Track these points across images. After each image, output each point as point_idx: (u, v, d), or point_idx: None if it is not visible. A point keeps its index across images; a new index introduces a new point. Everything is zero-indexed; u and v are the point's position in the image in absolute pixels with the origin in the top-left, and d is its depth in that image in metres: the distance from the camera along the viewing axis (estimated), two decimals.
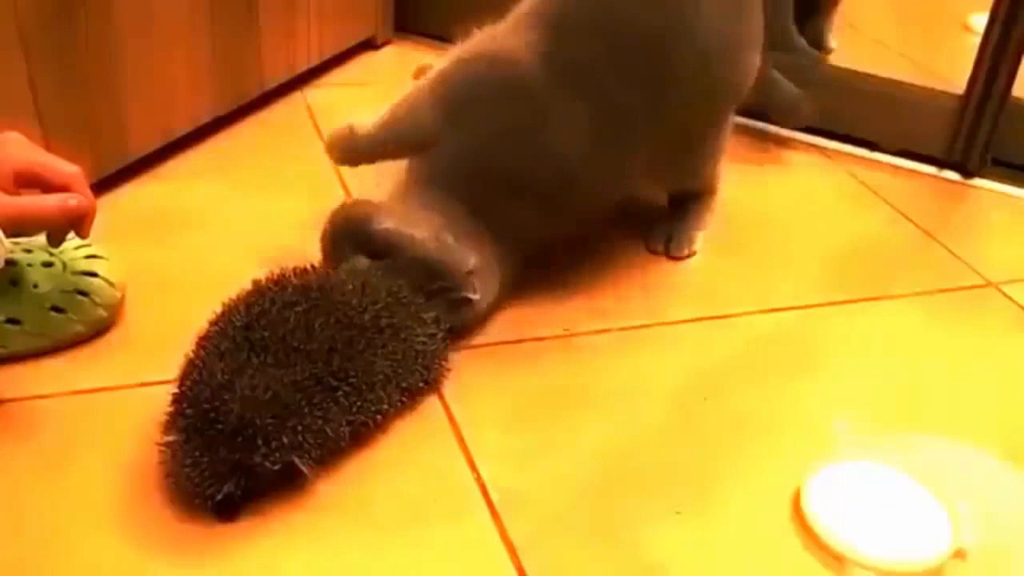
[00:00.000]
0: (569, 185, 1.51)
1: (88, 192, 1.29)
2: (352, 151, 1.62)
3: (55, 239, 1.31)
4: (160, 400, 1.22)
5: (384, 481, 1.27)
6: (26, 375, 1.37)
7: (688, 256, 1.76)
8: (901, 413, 1.47)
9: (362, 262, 1.42)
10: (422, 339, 1.36)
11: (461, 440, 1.34)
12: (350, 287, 1.33)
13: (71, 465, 1.26)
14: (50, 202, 1.26)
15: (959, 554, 1.21)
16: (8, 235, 1.22)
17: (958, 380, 1.54)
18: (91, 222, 1.29)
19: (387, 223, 1.43)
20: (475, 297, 1.45)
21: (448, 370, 1.42)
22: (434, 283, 1.42)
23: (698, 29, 1.53)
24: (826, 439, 1.38)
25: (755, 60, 1.68)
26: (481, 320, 1.51)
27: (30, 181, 1.26)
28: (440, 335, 1.40)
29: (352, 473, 1.27)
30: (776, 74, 2.04)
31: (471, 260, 1.45)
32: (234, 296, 1.31)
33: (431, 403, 1.40)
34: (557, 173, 1.50)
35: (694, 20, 1.53)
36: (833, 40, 2.53)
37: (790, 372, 1.52)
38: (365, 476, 1.27)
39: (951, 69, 2.17)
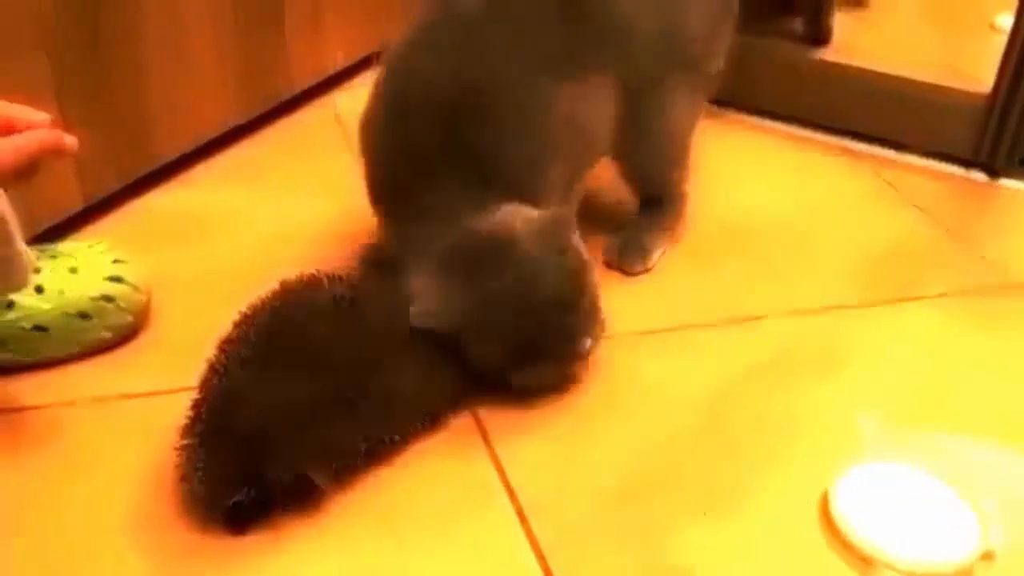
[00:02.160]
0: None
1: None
2: None
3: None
4: (185, 406, 1.23)
5: (411, 486, 1.28)
6: (54, 382, 1.39)
7: (641, 272, 1.72)
8: (928, 414, 1.46)
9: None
10: (452, 368, 1.35)
11: (489, 444, 1.35)
12: (384, 302, 1.33)
13: (93, 472, 1.27)
14: (33, 136, 1.23)
15: (987, 555, 1.21)
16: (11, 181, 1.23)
17: (985, 381, 1.53)
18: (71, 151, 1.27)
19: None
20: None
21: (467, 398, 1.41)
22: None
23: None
24: (853, 441, 1.38)
25: (699, 20, 1.64)
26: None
27: (2, 130, 1.22)
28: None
29: (378, 479, 1.27)
30: None
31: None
32: (261, 296, 1.31)
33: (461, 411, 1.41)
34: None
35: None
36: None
37: (817, 374, 1.52)
38: (392, 481, 1.28)
39: (978, 69, 2.14)
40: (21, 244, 1.18)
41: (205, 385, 1.22)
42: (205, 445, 1.17)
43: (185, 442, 1.19)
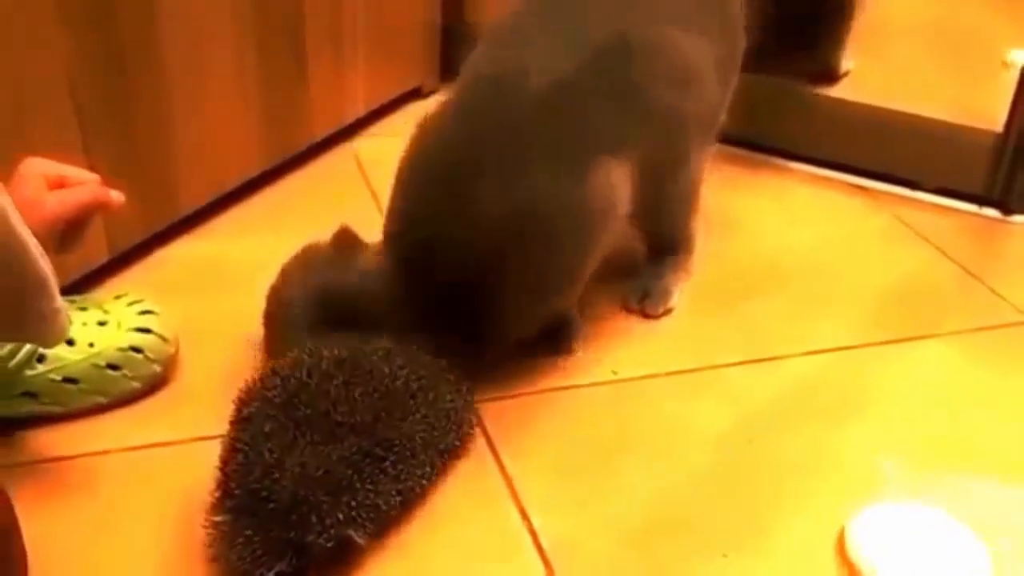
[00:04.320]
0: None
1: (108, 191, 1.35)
2: None
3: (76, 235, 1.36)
4: (215, 454, 1.25)
5: (439, 534, 1.29)
6: (84, 432, 1.40)
7: (664, 314, 1.74)
8: (945, 453, 1.47)
9: None
10: (449, 398, 1.37)
11: (512, 488, 1.36)
12: (379, 354, 1.34)
13: (125, 523, 1.28)
14: (85, 189, 1.33)
15: None
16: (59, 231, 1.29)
17: (1001, 420, 1.54)
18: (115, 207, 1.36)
19: None
20: None
21: (475, 427, 1.44)
22: None
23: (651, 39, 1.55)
24: (870, 480, 1.39)
25: (715, 89, 1.67)
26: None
27: (55, 186, 1.30)
28: (464, 390, 1.41)
29: (408, 529, 1.29)
30: None
31: None
32: (263, 370, 1.32)
33: (481, 451, 1.42)
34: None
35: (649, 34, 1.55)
36: (848, 62, 2.56)
37: (834, 414, 1.53)
38: (421, 531, 1.29)
39: (990, 106, 2.16)
40: (61, 301, 1.21)
41: (230, 462, 1.22)
42: (241, 520, 1.17)
43: (217, 519, 1.19)
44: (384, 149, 2.12)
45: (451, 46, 2.44)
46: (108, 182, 1.36)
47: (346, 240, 1.51)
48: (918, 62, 2.69)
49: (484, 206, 1.41)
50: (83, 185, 1.33)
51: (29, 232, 1.12)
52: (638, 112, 1.52)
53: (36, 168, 1.30)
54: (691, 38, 1.60)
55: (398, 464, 1.26)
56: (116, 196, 1.35)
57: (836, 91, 2.45)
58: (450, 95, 1.53)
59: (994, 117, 2.12)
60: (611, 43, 1.49)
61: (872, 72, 2.57)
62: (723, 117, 1.73)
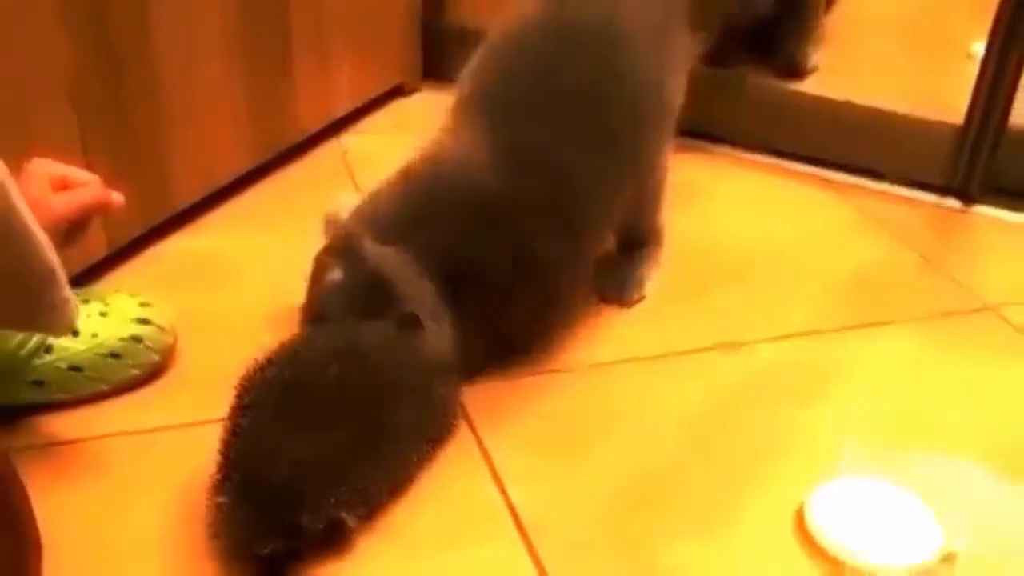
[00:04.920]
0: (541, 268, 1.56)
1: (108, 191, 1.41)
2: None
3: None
4: (212, 437, 1.29)
5: (425, 513, 1.34)
6: (89, 417, 1.46)
7: (637, 302, 1.79)
8: (902, 432, 1.52)
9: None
10: (436, 388, 1.41)
11: (492, 468, 1.42)
12: (372, 344, 1.39)
13: (130, 502, 1.34)
14: (88, 190, 1.38)
15: (948, 558, 1.29)
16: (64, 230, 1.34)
17: (956, 400, 1.60)
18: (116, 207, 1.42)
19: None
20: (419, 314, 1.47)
21: (459, 415, 1.49)
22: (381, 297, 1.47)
23: (627, 73, 1.62)
24: (829, 458, 1.44)
25: (681, 81, 1.74)
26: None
27: (58, 187, 1.36)
28: (450, 381, 1.46)
29: (395, 511, 1.34)
30: None
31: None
32: (261, 359, 1.36)
33: (464, 434, 1.47)
34: (527, 261, 1.54)
35: (624, 64, 1.62)
36: (815, 57, 2.58)
37: (797, 396, 1.58)
38: (408, 511, 1.34)
39: (954, 98, 2.18)
40: (70, 291, 1.26)
41: (230, 447, 1.27)
42: (240, 501, 1.22)
43: (217, 500, 1.24)
44: (368, 145, 2.19)
45: (432, 45, 2.50)
46: (106, 179, 1.41)
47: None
48: (886, 56, 2.72)
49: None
50: (86, 187, 1.38)
51: (38, 225, 1.17)
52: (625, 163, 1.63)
53: (41, 169, 1.35)
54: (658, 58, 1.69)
55: (387, 451, 1.31)
56: (117, 197, 1.40)
57: (804, 85, 2.46)
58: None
59: (958, 108, 2.15)
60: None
61: (841, 66, 2.58)
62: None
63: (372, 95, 2.39)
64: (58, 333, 1.41)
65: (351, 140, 2.29)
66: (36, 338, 1.43)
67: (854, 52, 2.73)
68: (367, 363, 1.36)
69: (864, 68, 2.65)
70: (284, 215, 1.97)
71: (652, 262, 1.84)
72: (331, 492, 1.23)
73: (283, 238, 1.87)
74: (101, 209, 1.40)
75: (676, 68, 1.74)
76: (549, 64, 1.60)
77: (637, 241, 1.83)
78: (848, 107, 2.30)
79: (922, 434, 1.53)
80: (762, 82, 2.43)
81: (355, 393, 1.32)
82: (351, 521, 1.26)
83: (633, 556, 1.31)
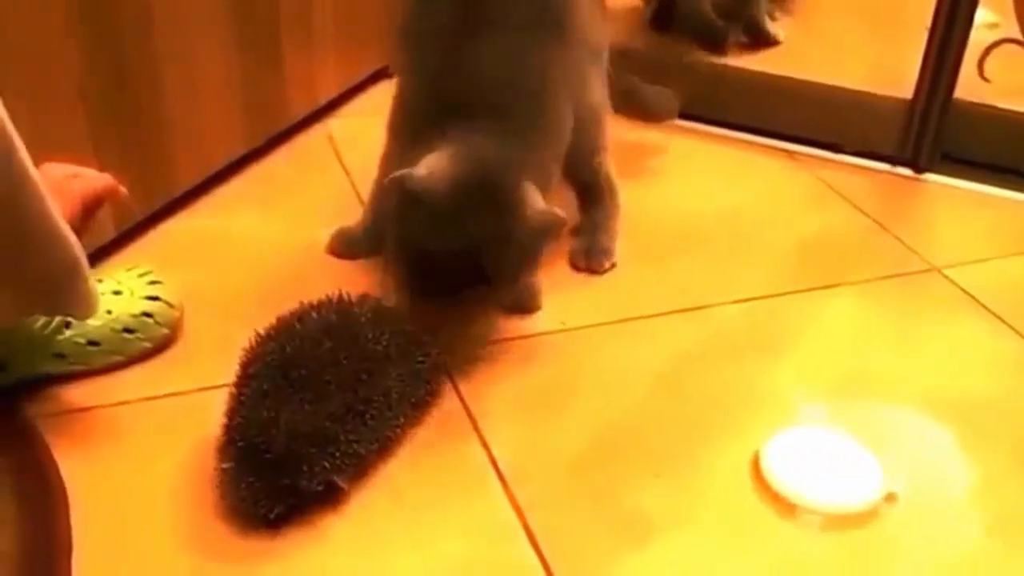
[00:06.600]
0: None
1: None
2: (351, 246, 1.85)
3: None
4: (218, 400, 1.38)
5: (415, 467, 1.43)
6: (106, 386, 1.54)
7: (609, 269, 1.87)
8: (852, 386, 1.62)
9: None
10: (421, 358, 1.49)
11: (475, 425, 1.51)
12: (363, 319, 1.46)
13: (146, 463, 1.42)
14: (101, 178, 1.50)
15: (890, 498, 1.40)
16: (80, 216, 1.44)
17: (903, 356, 1.69)
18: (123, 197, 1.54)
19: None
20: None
21: (443, 382, 1.57)
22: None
23: None
24: (785, 410, 1.55)
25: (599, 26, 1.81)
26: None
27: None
28: (435, 352, 1.52)
29: (388, 468, 1.43)
30: (634, 79, 2.12)
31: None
32: (262, 333, 1.44)
33: (449, 395, 1.56)
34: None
35: None
36: (777, 31, 2.70)
37: (755, 354, 1.67)
38: (400, 468, 1.43)
39: (911, 72, 2.24)
40: (93, 280, 1.37)
41: (234, 416, 1.35)
42: (243, 467, 1.31)
43: (224, 466, 1.33)
44: (354, 128, 2.24)
45: None
46: (114, 170, 1.50)
47: None
48: (847, 29, 2.82)
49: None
50: (99, 175, 1.49)
51: (64, 221, 1.29)
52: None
53: (55, 171, 1.44)
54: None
55: (376, 417, 1.39)
56: (124, 191, 1.52)
57: (767, 62, 2.57)
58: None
59: (912, 83, 2.24)
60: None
61: (804, 44, 2.69)
62: (600, 41, 1.86)
63: (357, 79, 2.44)
64: (82, 318, 1.49)
65: (337, 123, 2.35)
66: (58, 317, 1.51)
67: (818, 31, 2.82)
68: (357, 339, 1.43)
69: (827, 44, 2.75)
70: (277, 196, 2.04)
71: (615, 226, 1.90)
72: (325, 458, 1.31)
73: (276, 216, 1.95)
74: (112, 194, 1.51)
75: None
76: None
77: (596, 193, 1.91)
78: (808, 85, 2.40)
79: (868, 387, 1.62)
80: (729, 62, 2.55)
81: (346, 366, 1.38)
82: (344, 483, 1.34)
83: (603, 499, 1.40)
